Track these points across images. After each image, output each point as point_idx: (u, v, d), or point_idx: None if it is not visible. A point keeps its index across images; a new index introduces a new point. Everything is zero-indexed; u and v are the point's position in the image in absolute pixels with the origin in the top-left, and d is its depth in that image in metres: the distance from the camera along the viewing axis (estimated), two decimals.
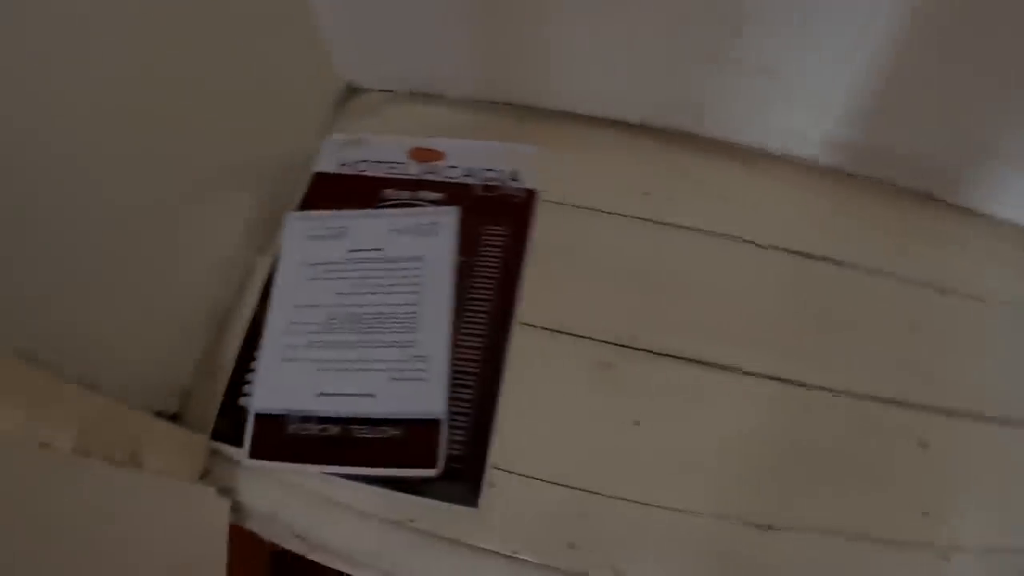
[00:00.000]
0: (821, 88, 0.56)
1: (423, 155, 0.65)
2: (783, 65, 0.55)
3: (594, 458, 0.53)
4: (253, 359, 0.58)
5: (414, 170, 0.65)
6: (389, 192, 0.64)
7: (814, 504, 0.51)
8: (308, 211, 0.64)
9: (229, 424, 0.56)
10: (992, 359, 0.56)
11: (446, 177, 0.64)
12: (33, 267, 0.42)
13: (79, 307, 0.46)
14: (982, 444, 0.53)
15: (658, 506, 0.51)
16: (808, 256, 0.59)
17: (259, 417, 0.55)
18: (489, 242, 0.60)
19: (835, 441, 0.53)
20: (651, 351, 0.56)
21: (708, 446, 0.53)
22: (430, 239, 0.60)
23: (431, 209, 0.62)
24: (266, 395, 0.56)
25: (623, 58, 0.59)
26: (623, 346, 0.56)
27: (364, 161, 0.66)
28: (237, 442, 0.55)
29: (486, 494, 0.52)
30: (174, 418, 0.57)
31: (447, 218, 0.61)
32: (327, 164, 0.67)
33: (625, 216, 0.62)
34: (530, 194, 0.63)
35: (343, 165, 0.66)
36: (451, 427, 0.53)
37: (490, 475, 0.53)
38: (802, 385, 0.54)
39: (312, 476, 0.54)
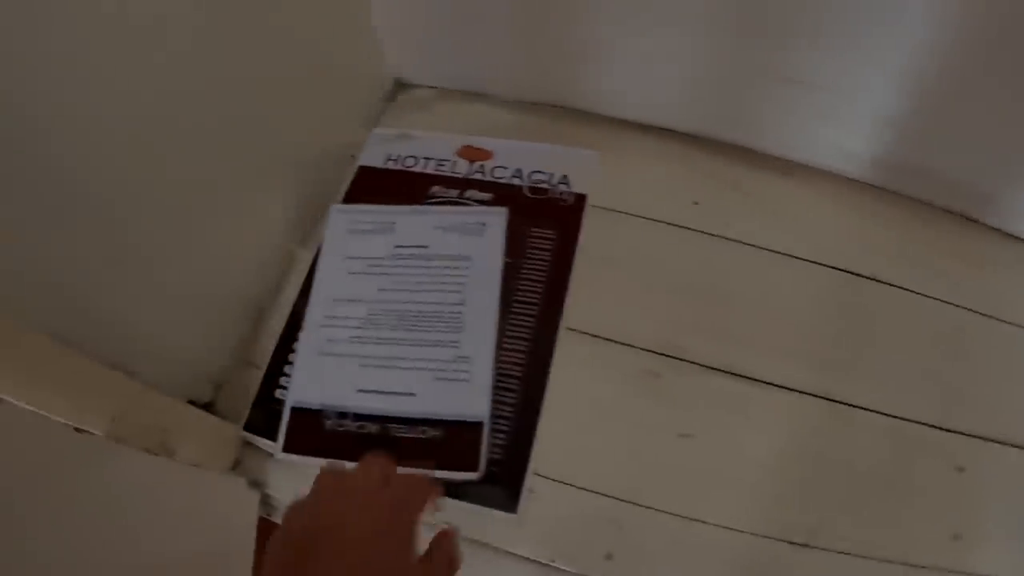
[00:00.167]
0: (870, 106, 0.55)
1: (472, 154, 0.65)
2: (833, 81, 0.54)
3: (636, 469, 0.52)
4: (291, 352, 0.57)
5: (462, 168, 0.64)
6: (436, 189, 0.63)
7: (850, 524, 0.50)
8: (352, 204, 0.63)
9: (263, 416, 0.55)
10: None
11: (494, 177, 0.63)
12: (73, 250, 0.42)
13: (117, 292, 0.46)
14: (1017, 471, 0.52)
15: (698, 520, 0.51)
16: (854, 274, 0.59)
17: (295, 411, 0.54)
18: (536, 245, 0.59)
19: (874, 461, 0.52)
20: (698, 363, 0.55)
21: (750, 461, 0.52)
22: (477, 239, 0.59)
23: (480, 208, 0.61)
24: (303, 389, 0.55)
25: (675, 67, 0.59)
26: (670, 356, 0.55)
27: (412, 157, 0.65)
28: (270, 435, 0.54)
29: (525, 500, 0.51)
30: (207, 407, 0.57)
31: (496, 218, 0.60)
32: (373, 158, 0.66)
33: (674, 225, 0.61)
34: (580, 198, 0.62)
35: (390, 160, 0.66)
36: (494, 431, 0.52)
37: (530, 481, 0.52)
38: (845, 404, 0.54)
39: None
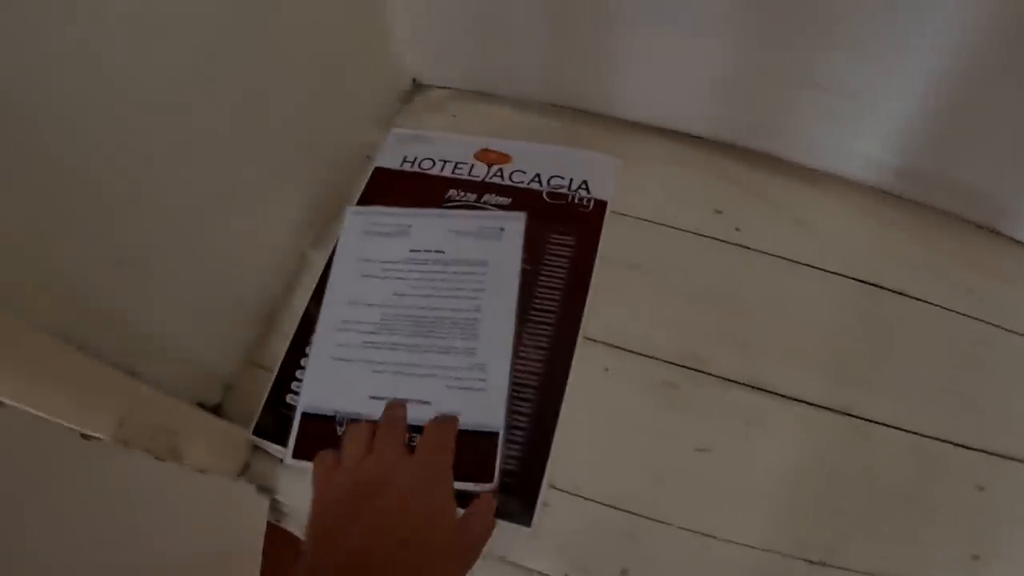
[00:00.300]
0: (897, 115, 0.54)
1: (490, 157, 0.64)
2: (861, 89, 0.53)
3: (652, 482, 0.51)
4: (302, 355, 0.56)
5: (480, 172, 0.63)
6: (453, 193, 0.62)
7: (867, 542, 0.49)
8: (368, 206, 0.62)
9: (273, 420, 0.54)
10: None
11: (512, 181, 0.62)
12: (82, 250, 0.41)
13: (126, 292, 0.45)
14: None
15: (714, 537, 0.50)
16: (877, 286, 0.57)
17: (305, 416, 0.53)
18: (555, 251, 0.58)
19: (893, 478, 0.51)
20: (717, 375, 0.54)
21: (768, 476, 0.51)
22: (495, 244, 0.58)
23: (498, 213, 0.60)
24: (314, 394, 0.54)
25: (701, 72, 0.57)
26: (688, 368, 0.54)
27: (428, 159, 0.64)
28: (280, 440, 0.53)
29: (540, 513, 0.50)
30: (216, 410, 0.56)
31: (514, 223, 0.59)
32: (389, 159, 0.65)
33: (696, 234, 0.60)
34: (600, 204, 0.60)
35: (406, 161, 0.65)
36: (509, 442, 0.51)
37: (545, 494, 0.51)
38: (864, 419, 0.53)
39: None
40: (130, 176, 0.42)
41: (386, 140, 0.67)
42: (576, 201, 0.61)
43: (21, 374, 0.34)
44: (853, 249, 0.59)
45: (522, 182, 0.62)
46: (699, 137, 0.64)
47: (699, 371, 0.54)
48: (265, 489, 0.54)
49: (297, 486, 0.54)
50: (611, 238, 0.59)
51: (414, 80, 0.71)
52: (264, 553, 0.55)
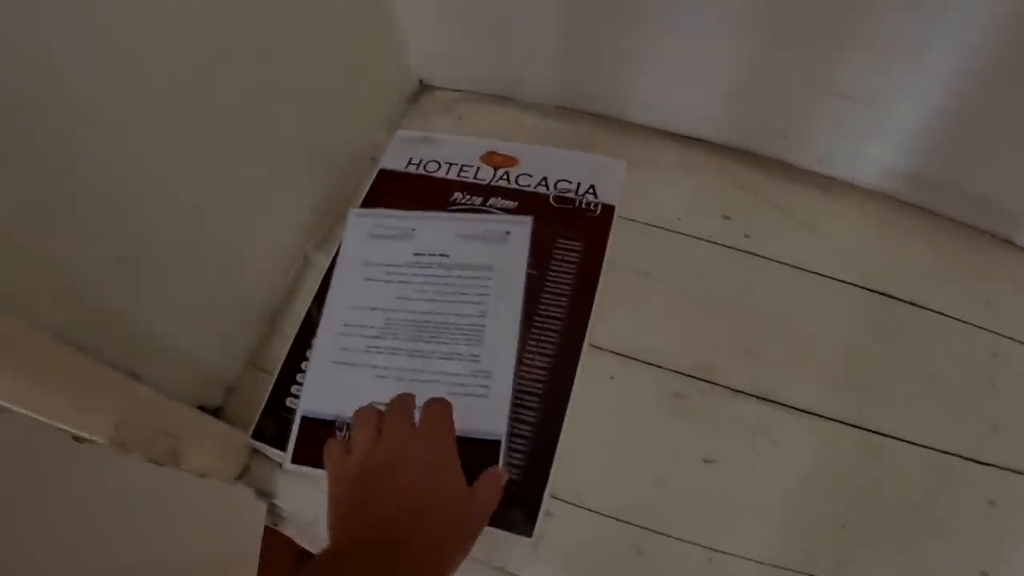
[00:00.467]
0: (913, 122, 0.53)
1: (496, 160, 0.63)
2: (877, 95, 0.52)
3: (658, 494, 0.50)
4: (304, 359, 0.56)
5: (486, 175, 0.62)
6: (459, 196, 0.61)
7: (876, 557, 0.48)
8: (372, 208, 0.62)
9: (273, 424, 0.54)
10: None
11: (518, 185, 0.62)
12: (82, 248, 0.40)
13: (127, 292, 0.44)
14: None
15: (720, 551, 0.49)
16: (889, 296, 0.56)
17: (305, 420, 0.53)
18: (561, 256, 0.57)
19: (903, 492, 0.50)
20: (725, 386, 0.53)
21: (777, 489, 0.50)
22: (501, 248, 0.57)
23: (503, 217, 0.59)
24: (314, 398, 0.54)
25: (714, 76, 0.57)
26: (696, 378, 0.53)
27: (434, 161, 0.64)
28: (279, 443, 0.53)
29: (542, 523, 0.49)
30: (216, 412, 0.55)
31: (520, 227, 0.58)
32: (395, 161, 0.64)
33: (705, 240, 0.59)
34: (607, 209, 0.60)
35: (411, 163, 0.64)
36: (511, 450, 0.50)
37: (547, 504, 0.50)
38: (875, 432, 0.51)
39: None
40: (131, 175, 0.42)
41: (392, 142, 0.66)
42: (583, 205, 0.60)
43: (16, 375, 0.34)
44: (866, 258, 0.58)
45: (528, 185, 0.61)
46: (710, 142, 0.63)
47: (707, 381, 0.53)
48: (263, 493, 0.53)
49: (296, 490, 0.53)
50: (618, 243, 0.58)
51: (421, 81, 0.70)
52: (261, 556, 0.54)
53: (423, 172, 0.63)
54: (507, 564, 0.49)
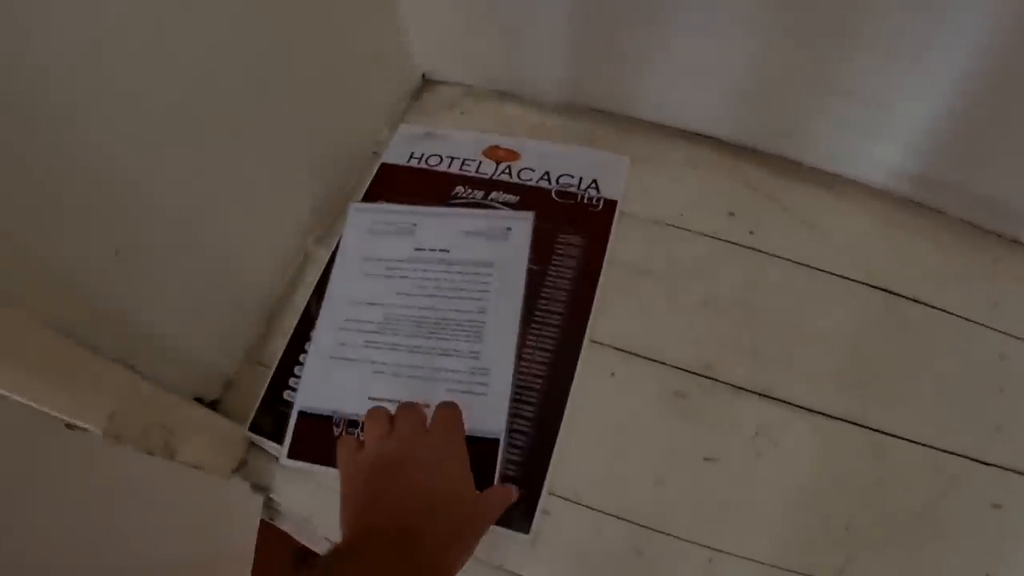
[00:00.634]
0: (920, 120, 0.52)
1: (498, 154, 0.62)
2: (883, 94, 0.52)
3: (657, 493, 0.50)
4: (302, 353, 0.55)
5: (488, 169, 0.62)
6: (460, 190, 0.61)
7: (879, 558, 0.47)
8: (373, 203, 0.61)
9: (270, 418, 0.53)
10: None
11: (520, 179, 0.61)
12: (81, 240, 0.40)
13: (125, 283, 0.44)
14: None
15: (721, 551, 0.48)
16: (894, 294, 0.56)
17: (302, 415, 0.52)
18: (563, 251, 0.57)
19: (907, 493, 0.49)
20: (727, 383, 0.52)
21: (779, 490, 0.49)
22: (502, 244, 0.57)
23: (505, 213, 0.59)
24: (312, 393, 0.53)
25: (720, 73, 0.56)
26: (698, 375, 0.53)
27: (436, 155, 0.63)
28: (276, 437, 0.53)
29: (539, 521, 0.48)
30: (214, 405, 0.55)
31: (522, 223, 0.58)
32: (396, 156, 0.64)
33: (708, 236, 0.58)
34: (610, 204, 0.59)
35: (413, 157, 0.64)
36: (509, 446, 0.50)
37: (545, 501, 0.49)
38: (879, 431, 0.51)
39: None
40: (129, 167, 0.41)
41: (394, 136, 0.66)
42: (585, 200, 0.59)
43: (12, 363, 0.34)
44: (871, 256, 0.57)
45: (530, 180, 0.61)
46: (714, 139, 0.63)
47: (709, 378, 0.53)
48: (260, 487, 0.53)
49: (291, 485, 0.53)
50: (621, 239, 0.58)
51: (424, 76, 0.70)
52: (257, 550, 0.54)
53: (425, 166, 0.63)
54: (504, 562, 0.49)
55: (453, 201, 0.60)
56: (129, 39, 0.38)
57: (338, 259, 0.58)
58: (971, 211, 0.58)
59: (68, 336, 0.38)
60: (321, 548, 0.55)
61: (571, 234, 0.57)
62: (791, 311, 0.55)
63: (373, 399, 0.52)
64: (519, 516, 0.48)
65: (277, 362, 0.55)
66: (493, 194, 0.60)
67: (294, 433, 0.52)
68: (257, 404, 0.54)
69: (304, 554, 0.59)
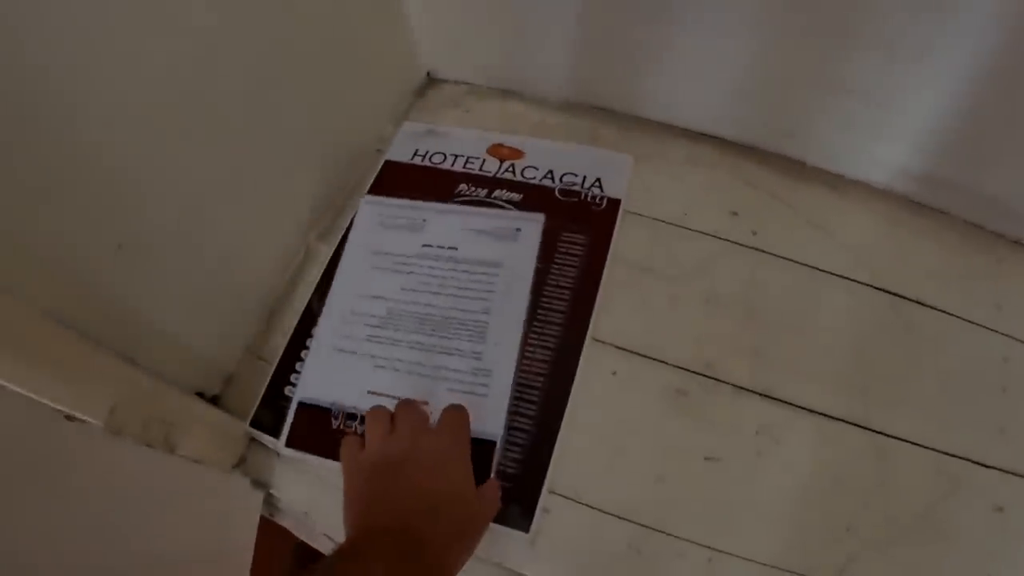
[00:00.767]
0: (926, 121, 0.52)
1: (502, 152, 0.62)
2: (889, 93, 0.52)
3: (657, 492, 0.50)
4: (303, 349, 0.55)
5: (491, 167, 0.62)
6: (464, 187, 0.61)
7: (880, 561, 0.47)
8: (384, 197, 0.61)
9: (270, 414, 0.53)
10: None
11: (524, 177, 0.61)
12: (83, 231, 0.40)
13: (127, 276, 0.44)
14: None
15: (720, 551, 0.48)
16: (898, 296, 0.55)
17: (302, 406, 0.52)
18: (566, 250, 0.57)
19: (909, 496, 0.49)
20: (728, 383, 0.52)
21: (779, 490, 0.49)
22: (511, 245, 0.57)
23: (515, 213, 0.59)
24: (313, 384, 0.53)
25: (725, 72, 0.56)
26: (699, 374, 0.53)
27: (440, 153, 0.63)
28: (277, 433, 0.53)
29: (539, 519, 0.48)
30: (215, 400, 0.55)
31: (531, 225, 0.57)
32: (400, 153, 0.64)
33: (710, 236, 0.58)
34: (613, 203, 0.59)
35: (416, 155, 0.64)
36: (509, 444, 0.50)
37: (545, 500, 0.49)
38: (881, 433, 0.51)
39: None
40: (132, 160, 0.41)
41: (397, 134, 0.66)
42: (589, 199, 0.59)
43: (13, 354, 0.34)
44: (875, 257, 0.57)
45: (534, 178, 0.61)
46: (718, 138, 0.62)
47: (710, 377, 0.53)
48: (260, 483, 0.53)
49: (291, 481, 0.53)
50: (624, 238, 0.58)
51: (428, 74, 0.70)
52: (256, 546, 0.54)
53: (429, 164, 0.63)
54: (504, 560, 0.48)
55: (457, 199, 0.60)
56: (132, 35, 0.38)
57: (346, 251, 0.58)
58: (975, 212, 0.58)
59: (69, 328, 0.38)
60: (320, 544, 0.55)
61: (574, 233, 0.57)
62: (793, 311, 0.55)
63: (372, 393, 0.52)
64: (519, 514, 0.48)
65: (278, 358, 0.55)
66: (496, 192, 0.60)
67: (293, 423, 0.52)
68: (258, 400, 0.54)
69: (303, 551, 0.59)
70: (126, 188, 0.42)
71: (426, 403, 0.50)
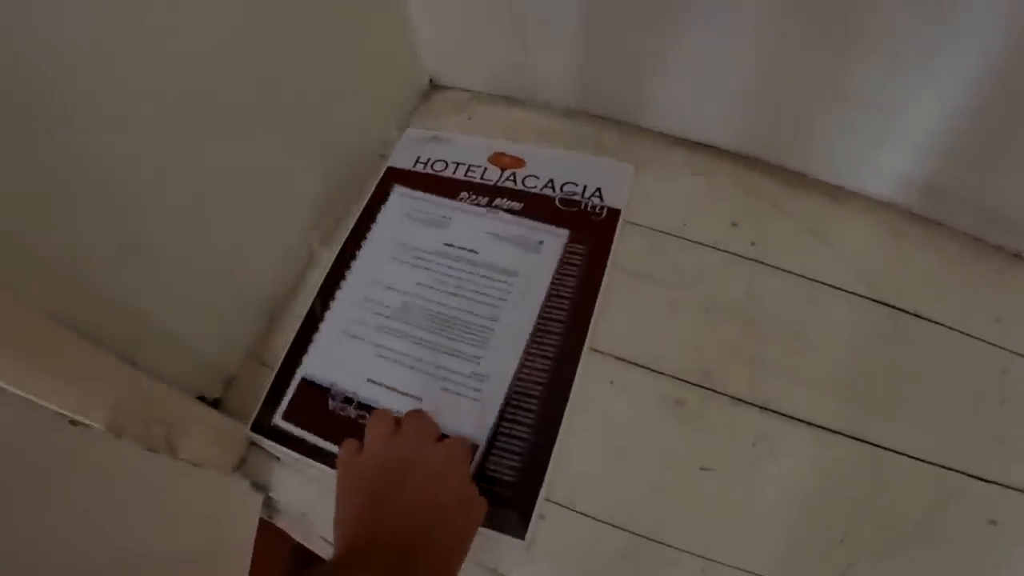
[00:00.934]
0: (927, 132, 0.52)
1: (504, 161, 0.63)
2: (889, 105, 0.52)
3: (653, 501, 0.50)
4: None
5: (492, 175, 0.62)
6: (465, 195, 0.61)
7: (875, 573, 0.47)
8: (413, 189, 0.62)
9: (271, 418, 0.54)
10: None
11: (525, 186, 0.61)
12: (86, 232, 0.41)
13: (130, 278, 0.44)
14: None
15: (716, 561, 0.48)
16: (897, 308, 0.55)
17: (304, 382, 0.54)
18: (566, 259, 0.57)
19: (904, 509, 0.49)
20: (725, 394, 0.52)
21: (775, 502, 0.49)
22: (532, 256, 0.57)
23: (541, 225, 0.59)
24: (318, 362, 0.55)
25: (725, 83, 0.56)
26: (696, 385, 0.53)
27: (442, 160, 0.64)
28: (278, 437, 0.53)
29: (535, 526, 0.48)
30: (216, 403, 0.55)
31: (555, 239, 0.58)
32: (403, 159, 0.65)
33: (710, 247, 0.58)
34: (613, 213, 0.59)
35: (419, 162, 0.64)
36: (507, 451, 0.50)
37: (541, 507, 0.49)
38: (877, 446, 0.51)
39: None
40: (134, 161, 0.42)
41: (400, 140, 0.66)
42: (589, 209, 0.60)
43: (13, 355, 0.34)
44: (874, 269, 0.57)
45: (535, 187, 0.61)
46: (719, 148, 0.63)
47: (707, 388, 0.53)
48: (260, 486, 0.53)
49: (290, 484, 0.53)
50: (623, 248, 0.58)
51: (431, 80, 0.70)
52: (255, 548, 0.55)
53: (431, 171, 0.63)
54: (499, 566, 0.49)
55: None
56: (138, 39, 0.39)
57: (370, 238, 0.60)
58: (975, 224, 0.58)
59: (71, 330, 0.38)
60: (317, 546, 0.56)
61: (574, 243, 0.58)
62: (792, 323, 0.55)
63: (371, 381, 0.53)
64: (515, 521, 0.48)
65: (280, 362, 0.56)
66: (497, 201, 0.61)
67: (293, 396, 0.53)
68: (259, 404, 0.54)
69: (301, 552, 0.59)
70: (128, 189, 0.42)
71: (419, 399, 0.51)
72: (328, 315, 0.56)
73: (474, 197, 0.61)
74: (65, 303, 0.39)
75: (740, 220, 0.59)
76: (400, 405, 0.51)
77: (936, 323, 0.55)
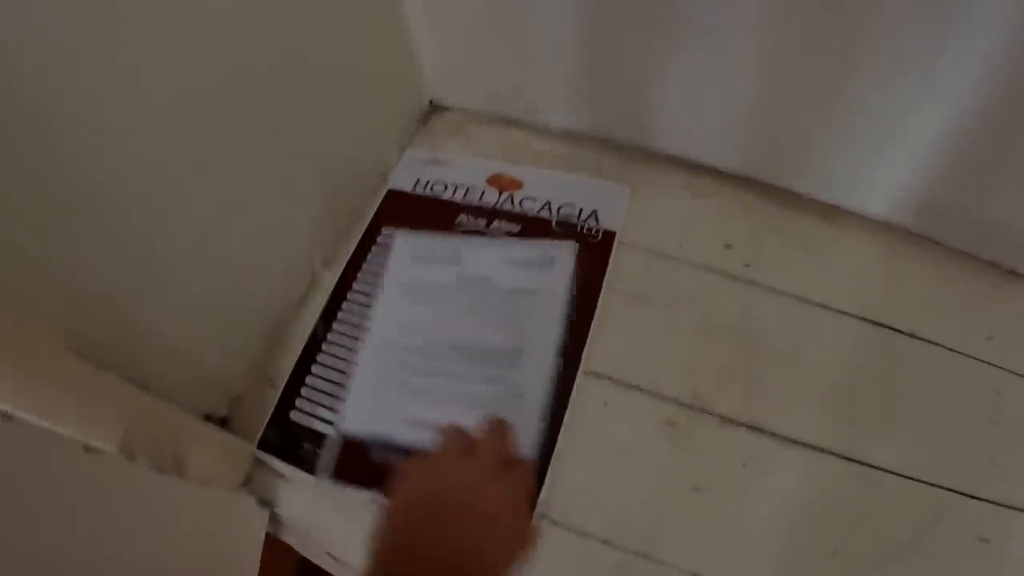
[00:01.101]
0: (920, 152, 0.52)
1: (502, 183, 0.64)
2: (884, 126, 0.52)
3: (645, 519, 0.51)
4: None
5: (491, 198, 0.63)
6: (464, 218, 0.62)
7: None
8: (416, 231, 0.62)
9: (278, 435, 0.55)
10: None
11: (522, 208, 0.62)
12: (93, 256, 0.41)
13: (136, 301, 0.45)
14: None
15: None
16: (890, 328, 0.56)
17: (347, 440, 0.54)
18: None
19: (895, 527, 0.49)
20: (718, 414, 0.53)
21: (767, 521, 0.50)
22: (545, 273, 0.58)
23: (549, 243, 0.60)
24: (355, 418, 0.54)
25: (722, 105, 0.57)
26: (689, 406, 0.54)
27: (441, 183, 0.65)
28: (283, 454, 0.54)
29: None
30: (222, 422, 0.57)
31: (565, 253, 0.59)
32: (403, 181, 0.66)
33: (704, 268, 0.59)
34: (608, 235, 0.60)
35: (419, 184, 0.65)
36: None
37: (536, 524, 0.50)
38: (868, 465, 0.51)
39: (356, 499, 0.52)
40: (142, 183, 0.42)
41: (400, 161, 0.67)
42: (585, 231, 0.61)
43: (26, 382, 0.35)
44: (867, 288, 0.57)
45: (532, 210, 0.62)
46: (715, 169, 0.63)
47: (700, 409, 0.53)
48: (266, 502, 0.55)
49: (297, 500, 0.55)
50: (619, 269, 0.59)
51: (431, 102, 0.71)
52: (261, 563, 0.56)
53: (430, 194, 0.65)
54: None
55: (456, 230, 0.62)
56: (145, 59, 0.39)
57: (384, 285, 0.60)
58: (969, 241, 0.58)
59: (80, 354, 0.39)
60: (323, 562, 0.57)
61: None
62: (785, 343, 0.56)
63: (410, 421, 0.53)
64: None
65: (285, 381, 0.57)
66: (495, 223, 0.62)
67: (339, 456, 0.53)
68: (265, 422, 0.56)
69: (306, 567, 0.61)
70: (133, 215, 0.43)
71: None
72: (357, 368, 0.56)
73: (472, 220, 0.62)
74: (77, 328, 0.40)
75: (735, 241, 0.60)
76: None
77: (930, 342, 0.55)
